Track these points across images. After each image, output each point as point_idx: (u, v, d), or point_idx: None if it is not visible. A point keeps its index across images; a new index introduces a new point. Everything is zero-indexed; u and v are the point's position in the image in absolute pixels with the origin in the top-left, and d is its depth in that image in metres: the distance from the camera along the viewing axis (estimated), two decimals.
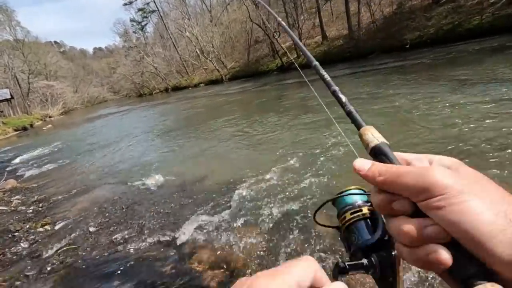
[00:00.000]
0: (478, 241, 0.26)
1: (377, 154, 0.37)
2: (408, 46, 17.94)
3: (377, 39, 20.51)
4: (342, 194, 0.49)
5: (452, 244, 0.28)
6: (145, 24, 59.16)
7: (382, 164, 0.35)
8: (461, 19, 16.21)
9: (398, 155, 0.37)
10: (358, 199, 0.47)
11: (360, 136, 0.41)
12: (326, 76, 0.59)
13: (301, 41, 23.96)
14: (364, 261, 0.41)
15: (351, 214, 0.46)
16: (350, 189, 0.49)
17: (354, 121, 0.45)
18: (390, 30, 20.30)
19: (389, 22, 21.26)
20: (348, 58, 21.32)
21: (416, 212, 0.30)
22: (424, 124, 4.41)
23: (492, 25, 14.43)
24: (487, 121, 3.95)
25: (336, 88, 0.54)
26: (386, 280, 0.40)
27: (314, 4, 28.49)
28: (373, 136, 0.39)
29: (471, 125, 3.92)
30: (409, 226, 0.30)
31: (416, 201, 0.30)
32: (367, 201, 0.47)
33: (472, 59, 9.49)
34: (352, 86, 9.96)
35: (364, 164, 0.35)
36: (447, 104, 5.07)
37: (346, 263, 0.41)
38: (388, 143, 0.38)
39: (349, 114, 0.47)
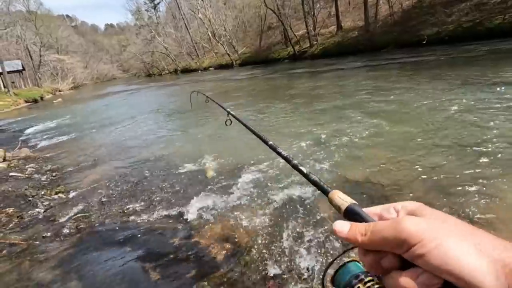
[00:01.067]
0: (465, 281, 0.27)
1: (351, 214, 0.39)
2: (425, 42, 17.51)
3: (393, 33, 20.03)
4: (338, 271, 0.45)
5: (446, 287, 0.29)
6: (158, 3, 58.33)
7: (360, 223, 0.36)
8: (482, 17, 15.69)
9: (367, 210, 0.39)
10: (357, 271, 0.44)
11: (330, 200, 0.44)
12: (284, 153, 0.68)
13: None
14: None
15: None
16: (345, 264, 0.46)
17: (320, 188, 0.49)
18: (408, 25, 19.78)
19: (407, 16, 20.68)
20: (361, 51, 20.92)
21: (405, 264, 0.32)
22: (422, 124, 4.42)
23: None
24: (490, 124, 3.95)
25: (296, 162, 0.60)
26: None
27: None
28: (342, 199, 0.42)
29: (472, 128, 3.93)
30: (404, 279, 0.31)
31: (400, 253, 0.31)
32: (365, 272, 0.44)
33: (489, 61, 9.29)
34: (356, 79, 9.86)
35: (343, 226, 0.37)
36: (454, 107, 5.05)
37: None
38: (356, 203, 0.40)
39: (314, 183, 0.51)
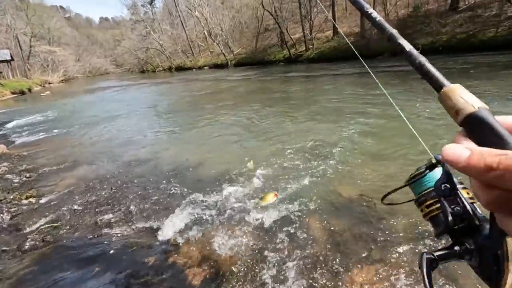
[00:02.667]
0: None
1: (475, 126, 0.26)
2: (419, 51, 17.58)
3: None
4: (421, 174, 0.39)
5: None
6: None
7: (488, 150, 0.23)
8: (476, 29, 15.87)
9: (500, 120, 0.26)
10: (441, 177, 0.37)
11: (443, 99, 0.31)
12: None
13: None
14: (457, 248, 0.36)
15: (437, 198, 0.37)
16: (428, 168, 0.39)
17: (431, 78, 0.35)
18: (403, 33, 19.54)
19: (402, 25, 20.80)
20: (356, 56, 20.94)
21: None
22: (406, 136, 4.29)
23: (506, 39, 14.14)
24: None
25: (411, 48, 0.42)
26: (488, 268, 0.32)
27: None
28: (465, 100, 0.28)
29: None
30: None
31: None
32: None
33: (481, 73, 9.31)
34: (349, 86, 9.76)
35: (459, 153, 0.24)
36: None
37: (435, 254, 0.36)
38: (488, 107, 0.27)
39: (424, 72, 0.37)
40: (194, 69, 39.95)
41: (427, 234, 2.27)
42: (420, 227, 2.36)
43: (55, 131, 7.76)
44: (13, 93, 25.49)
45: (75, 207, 3.21)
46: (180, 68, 44.44)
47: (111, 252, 2.40)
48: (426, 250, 0.36)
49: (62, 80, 47.23)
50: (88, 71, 72.86)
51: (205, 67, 38.89)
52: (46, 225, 2.84)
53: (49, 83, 40.92)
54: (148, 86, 22.15)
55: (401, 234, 2.31)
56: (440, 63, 12.51)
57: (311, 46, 26.27)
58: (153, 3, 58.16)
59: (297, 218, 2.65)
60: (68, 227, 2.81)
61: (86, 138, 6.63)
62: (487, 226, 0.32)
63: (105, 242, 2.52)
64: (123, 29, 78.99)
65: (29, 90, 28.75)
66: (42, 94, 24.07)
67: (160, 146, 5.43)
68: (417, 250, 2.12)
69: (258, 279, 1.99)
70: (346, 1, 28.98)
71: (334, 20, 25.52)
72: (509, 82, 7.12)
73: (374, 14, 0.47)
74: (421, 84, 8.51)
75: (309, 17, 26.47)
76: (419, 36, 18.57)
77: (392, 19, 22.06)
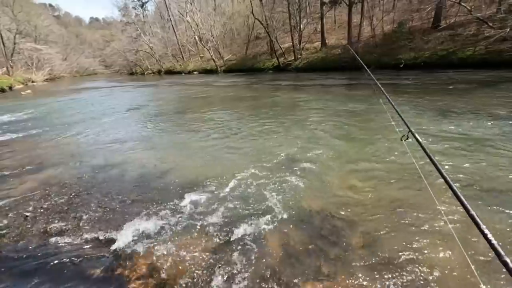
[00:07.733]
0: None
1: None
2: (402, 66, 18.19)
3: (374, 54, 20.65)
4: None
5: None
6: (146, 1, 57.29)
7: None
8: (456, 47, 16.52)
9: None
10: None
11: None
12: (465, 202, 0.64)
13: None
14: None
15: None
16: None
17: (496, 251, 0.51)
18: (388, 48, 20.49)
19: (388, 39, 21.44)
20: (343, 68, 21.46)
21: None
22: (384, 153, 4.37)
23: (483, 58, 14.78)
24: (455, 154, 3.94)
25: (474, 213, 0.62)
26: None
27: (318, 9, 28.43)
28: None
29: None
30: None
31: None
32: None
33: (459, 90, 9.64)
34: (335, 97, 9.93)
35: None
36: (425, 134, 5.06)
37: None
38: None
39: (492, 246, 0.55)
40: (183, 73, 39.77)
41: (380, 253, 2.27)
42: (375, 245, 2.36)
43: (27, 131, 7.49)
44: None
45: (27, 213, 3.06)
46: (170, 72, 44.18)
47: (55, 263, 2.28)
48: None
49: (47, 79, 45.99)
50: (75, 71, 71.37)
51: (195, 72, 38.77)
52: None
53: (33, 82, 39.73)
54: (134, 88, 21.85)
55: (354, 251, 2.30)
56: (420, 78, 12.91)
57: (299, 56, 26.65)
58: (144, 6, 57.91)
59: (255, 230, 2.60)
60: (14, 235, 2.67)
61: (57, 140, 6.42)
62: None
63: (51, 253, 2.40)
64: (113, 30, 78.07)
65: (10, 88, 27.84)
66: (22, 93, 23.33)
67: (131, 151, 5.30)
68: (367, 268, 2.11)
69: None
70: (335, 14, 29.78)
71: (323, 31, 26.05)
72: (478, 100, 7.37)
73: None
74: (398, 99, 8.73)
75: (298, 27, 26.92)
76: (403, 51, 19.18)
77: (378, 34, 22.73)
